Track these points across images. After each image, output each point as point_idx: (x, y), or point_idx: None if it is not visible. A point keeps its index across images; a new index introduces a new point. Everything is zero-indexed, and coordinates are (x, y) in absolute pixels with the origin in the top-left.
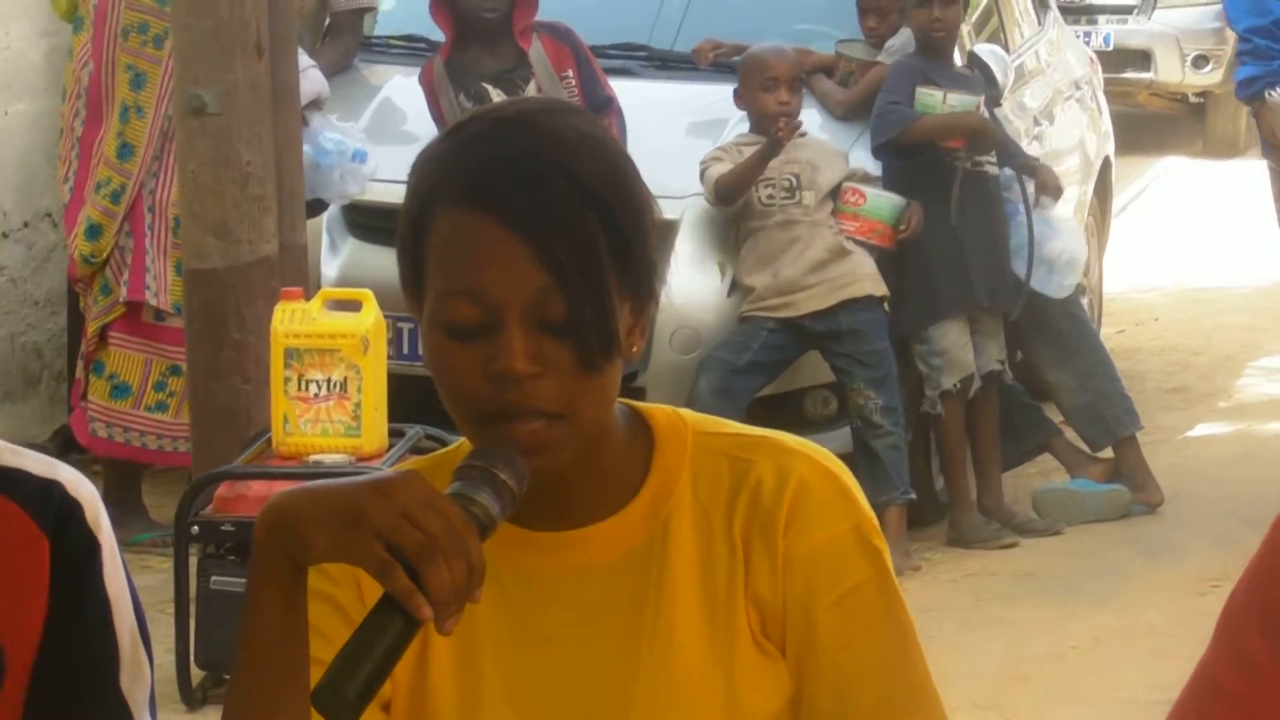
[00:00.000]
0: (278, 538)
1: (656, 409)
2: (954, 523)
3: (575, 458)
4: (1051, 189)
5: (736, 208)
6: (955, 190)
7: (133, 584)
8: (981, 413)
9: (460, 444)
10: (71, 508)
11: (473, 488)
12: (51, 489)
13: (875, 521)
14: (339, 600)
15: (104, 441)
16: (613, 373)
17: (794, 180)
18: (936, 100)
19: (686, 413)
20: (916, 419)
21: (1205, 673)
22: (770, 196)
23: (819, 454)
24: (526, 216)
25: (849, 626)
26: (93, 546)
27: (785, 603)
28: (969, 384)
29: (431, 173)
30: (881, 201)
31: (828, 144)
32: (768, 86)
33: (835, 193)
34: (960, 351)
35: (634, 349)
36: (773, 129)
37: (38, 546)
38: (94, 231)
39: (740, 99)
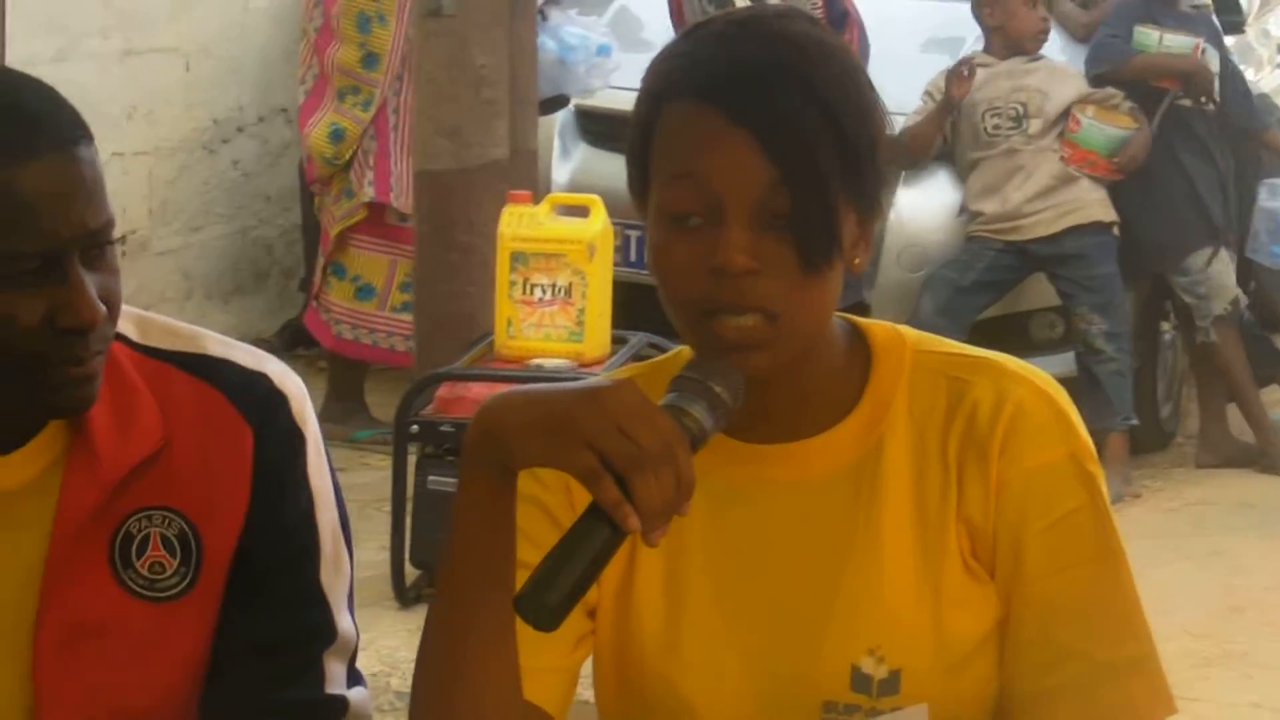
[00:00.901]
0: (489, 441)
1: (876, 325)
2: (1264, 452)
3: (790, 366)
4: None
5: (927, 159)
6: (1158, 115)
7: (337, 479)
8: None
9: (678, 352)
10: (278, 399)
11: (687, 399)
12: (258, 380)
13: (1092, 448)
14: (548, 505)
15: (350, 343)
16: (834, 278)
17: (1021, 108)
18: (1153, 40)
19: (906, 330)
20: (1143, 346)
21: None
22: (996, 126)
23: (1038, 377)
24: (755, 110)
25: (1059, 553)
26: (298, 439)
27: (996, 526)
28: (1237, 308)
29: (664, 72)
30: (1095, 132)
31: (1061, 66)
32: (1030, 2)
33: (1066, 115)
34: (1223, 277)
35: (857, 260)
36: (954, 76)
37: (242, 436)
38: (338, 135)
39: (991, 14)
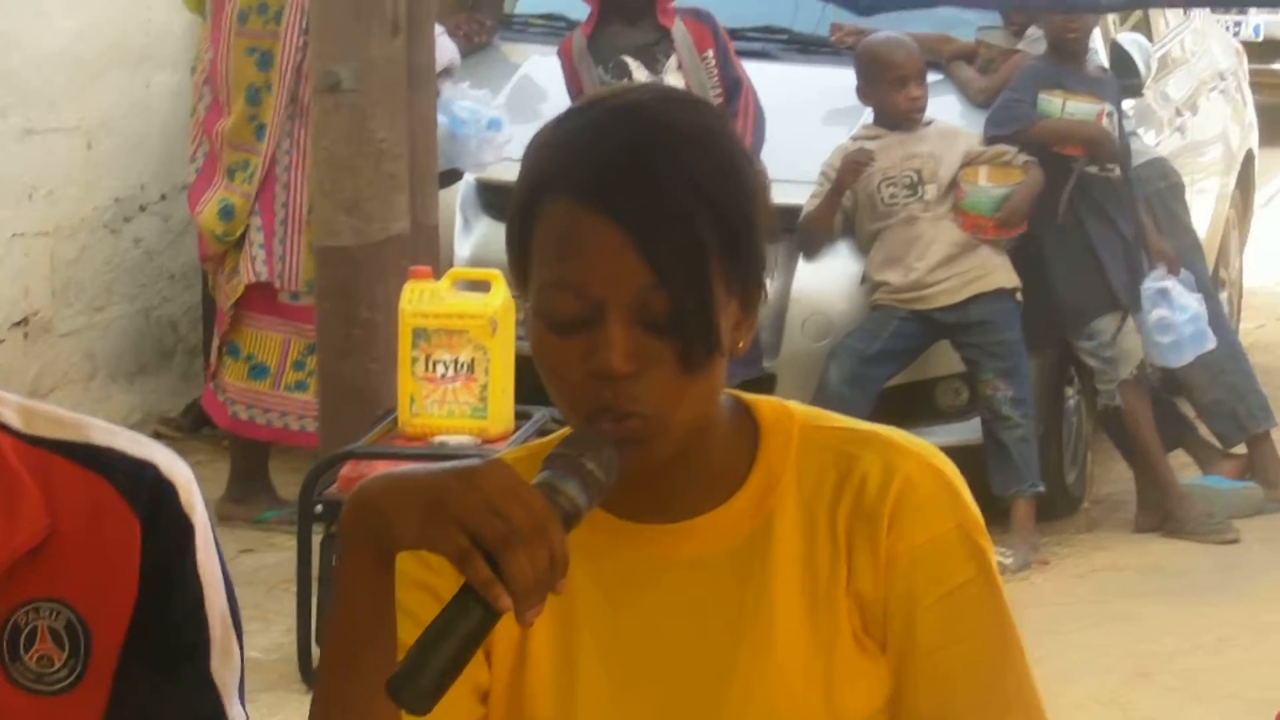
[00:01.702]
0: (364, 523)
1: (763, 401)
2: (1171, 513)
3: (677, 451)
4: (1166, 261)
5: (825, 248)
6: (1066, 192)
7: (226, 567)
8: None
9: (555, 436)
10: (166, 489)
11: (559, 477)
12: (145, 469)
13: (980, 521)
14: (435, 588)
15: (245, 424)
16: (716, 370)
17: (915, 175)
18: (1056, 106)
19: (794, 405)
20: (1047, 412)
21: None
22: (893, 195)
23: (925, 450)
24: (633, 212)
25: (950, 627)
26: (186, 529)
27: (887, 601)
28: (1144, 371)
29: (542, 159)
30: (980, 195)
31: (952, 128)
32: (896, 84)
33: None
34: (1130, 341)
35: (740, 344)
36: (846, 163)
37: (129, 527)
38: (227, 212)
39: (865, 95)
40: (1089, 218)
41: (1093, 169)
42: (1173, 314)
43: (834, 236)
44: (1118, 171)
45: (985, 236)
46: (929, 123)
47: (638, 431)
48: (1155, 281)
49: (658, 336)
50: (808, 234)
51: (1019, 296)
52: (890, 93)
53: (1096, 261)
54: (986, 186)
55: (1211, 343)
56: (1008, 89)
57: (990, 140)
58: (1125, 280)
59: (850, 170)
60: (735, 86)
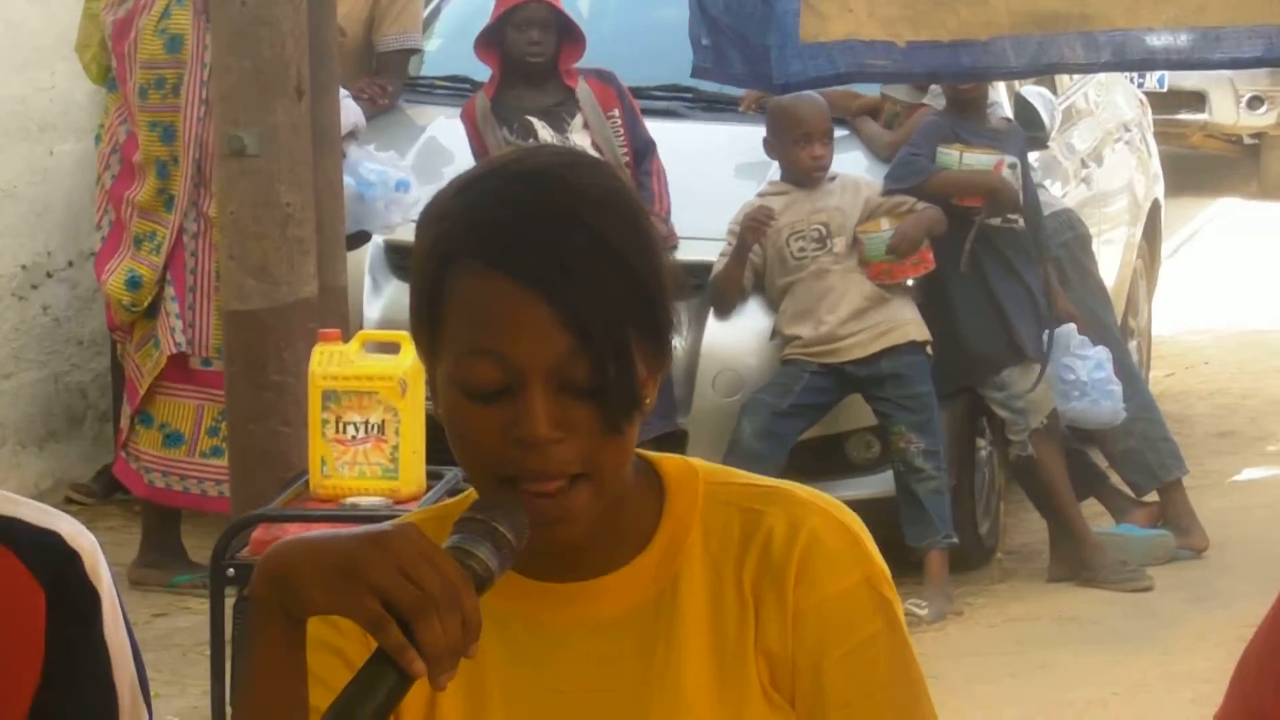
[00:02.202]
0: (274, 589)
1: (667, 459)
2: (1085, 562)
3: (594, 523)
4: (1070, 318)
5: (737, 306)
6: (968, 242)
7: (133, 635)
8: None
9: (466, 495)
10: (70, 558)
11: (471, 541)
12: (49, 539)
13: (887, 573)
14: (345, 652)
15: (163, 491)
16: (632, 432)
17: (823, 229)
18: (953, 159)
19: (698, 462)
20: (959, 463)
21: None
22: (802, 249)
23: (830, 505)
24: (550, 279)
25: (859, 680)
26: (92, 597)
27: (795, 656)
28: (1055, 421)
29: (449, 229)
30: (875, 242)
31: (854, 181)
32: (800, 141)
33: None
34: (1039, 391)
35: (648, 401)
36: (747, 222)
37: (34, 597)
38: (134, 283)
39: (772, 150)
40: (992, 269)
41: (995, 220)
42: (1086, 374)
43: (745, 294)
44: (1020, 223)
45: (892, 280)
46: (834, 177)
47: (561, 500)
48: (1064, 340)
49: (579, 401)
50: (718, 293)
51: (929, 350)
52: (794, 149)
53: (1001, 312)
54: (881, 232)
55: (1122, 412)
56: (907, 144)
57: (888, 193)
58: (1031, 331)
59: (751, 229)
60: (646, 148)
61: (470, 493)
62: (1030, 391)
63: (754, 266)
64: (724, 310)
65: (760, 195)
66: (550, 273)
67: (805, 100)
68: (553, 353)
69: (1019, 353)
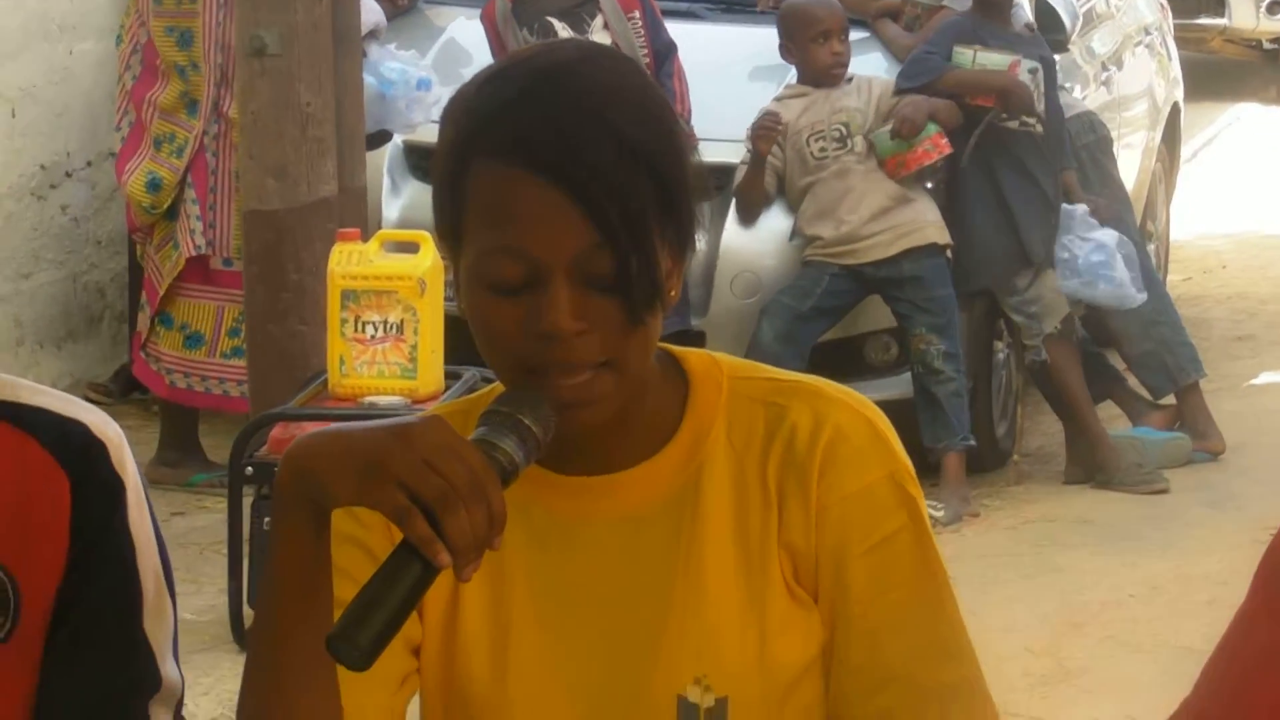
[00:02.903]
0: (300, 482)
1: (692, 353)
2: (1101, 465)
3: (619, 409)
4: (1074, 197)
5: (761, 212)
6: (974, 136)
7: (158, 525)
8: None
9: (491, 389)
10: (96, 448)
11: (497, 433)
12: (74, 428)
13: (911, 470)
14: (368, 544)
15: (184, 392)
16: (655, 323)
17: (844, 129)
18: (967, 59)
19: (722, 357)
20: (976, 366)
21: (1242, 623)
22: (823, 150)
23: (856, 400)
24: (572, 173)
25: (882, 575)
26: (117, 487)
27: (818, 551)
28: (1070, 325)
29: (468, 124)
30: (881, 138)
31: (869, 82)
32: (818, 39)
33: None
34: (1053, 295)
35: (671, 294)
36: (756, 131)
37: (58, 485)
38: (154, 185)
39: (789, 53)
40: (1006, 174)
41: (1012, 123)
42: (1083, 256)
43: (770, 200)
44: (1038, 127)
45: (908, 170)
46: (850, 78)
47: (587, 387)
48: (1069, 219)
49: (601, 294)
50: (741, 201)
51: (950, 254)
52: (813, 48)
53: (1010, 216)
54: (887, 128)
55: (1133, 299)
56: (924, 43)
57: (900, 93)
58: (1042, 236)
59: (761, 138)
60: (666, 50)
61: (495, 387)
62: (1044, 296)
63: (775, 170)
64: (749, 218)
65: (778, 99)
66: (572, 167)
67: (818, 1)
68: (575, 246)
69: (1027, 258)
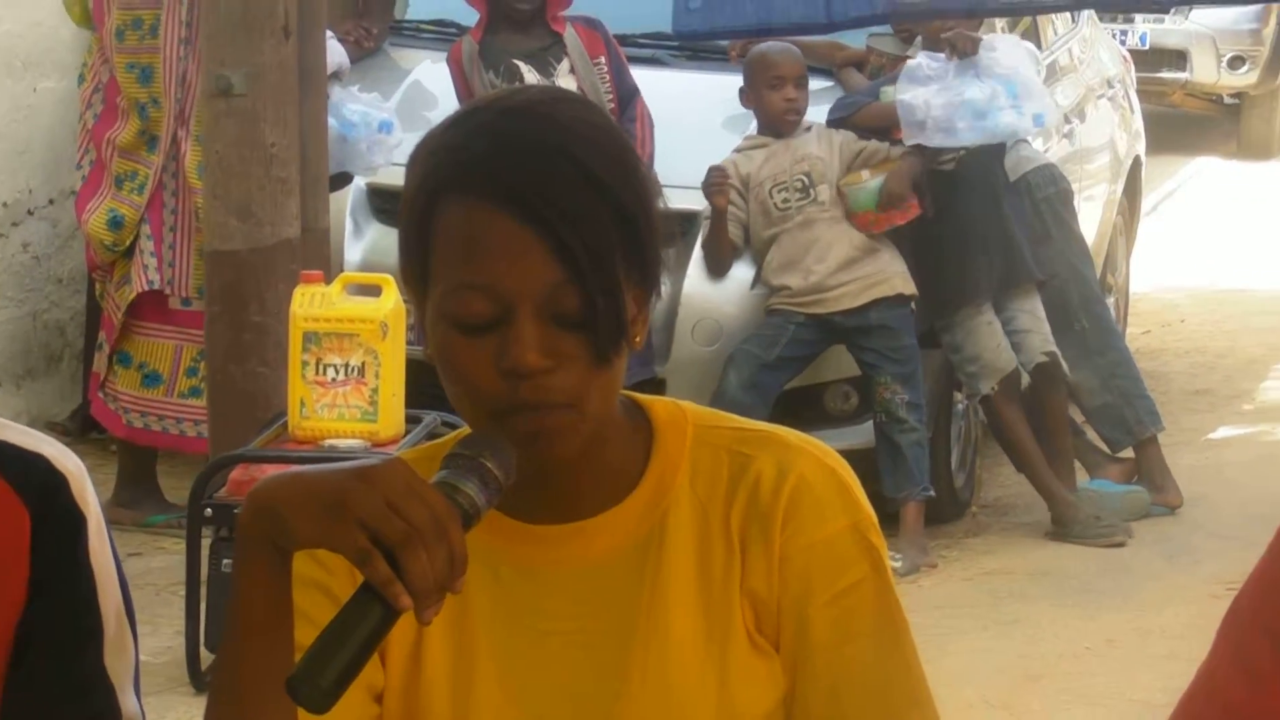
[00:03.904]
0: (262, 523)
1: (657, 401)
2: (1058, 518)
3: (584, 447)
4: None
5: (729, 267)
6: (925, 182)
7: (119, 560)
8: (1044, 407)
9: (451, 436)
10: (56, 480)
11: (458, 476)
12: (35, 461)
13: (874, 519)
14: (330, 587)
15: (141, 431)
16: (620, 364)
17: (806, 179)
18: (889, 93)
19: (688, 405)
20: (935, 416)
21: (1207, 680)
22: (785, 200)
23: (820, 450)
24: (540, 210)
25: (844, 625)
26: (78, 520)
27: (780, 600)
28: (1012, 382)
29: (436, 163)
30: (859, 193)
31: (828, 130)
32: (774, 85)
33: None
34: (993, 354)
35: (637, 339)
36: (706, 190)
37: (18, 517)
38: (116, 222)
39: (747, 99)
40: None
41: (946, 165)
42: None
43: (738, 251)
44: (950, 164)
45: (879, 229)
46: (809, 127)
47: (554, 424)
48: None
49: (569, 331)
50: (709, 258)
51: (914, 305)
52: (768, 94)
53: (941, 256)
54: (864, 182)
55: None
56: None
57: (831, 124)
58: (970, 273)
59: (715, 193)
60: (630, 95)
61: (461, 432)
62: (982, 355)
63: (739, 221)
64: (719, 270)
65: (739, 150)
66: (540, 203)
67: (780, 49)
68: (542, 283)
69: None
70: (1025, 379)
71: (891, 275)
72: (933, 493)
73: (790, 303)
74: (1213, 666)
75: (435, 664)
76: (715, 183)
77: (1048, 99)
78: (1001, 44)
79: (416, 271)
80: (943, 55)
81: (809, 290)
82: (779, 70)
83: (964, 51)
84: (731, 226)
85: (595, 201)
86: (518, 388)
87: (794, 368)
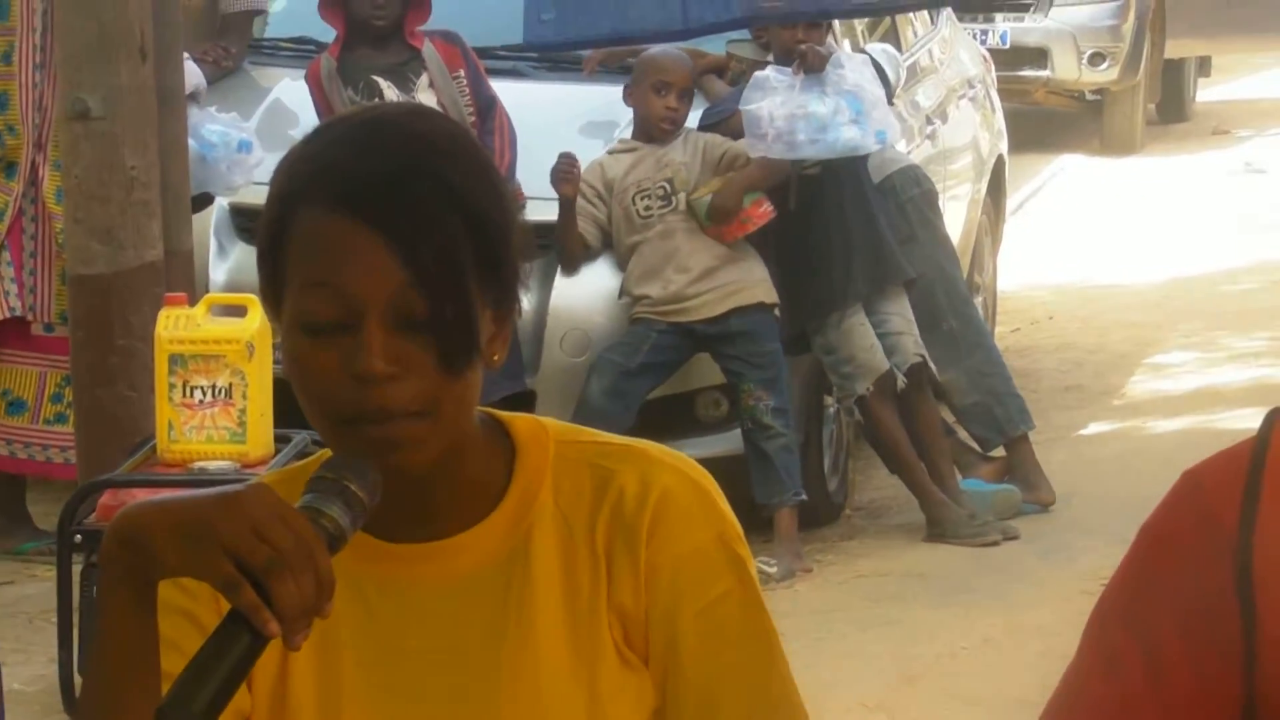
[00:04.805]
0: (125, 553)
1: (518, 418)
2: (933, 519)
3: (436, 464)
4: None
5: (580, 264)
6: (793, 182)
7: None
8: (915, 410)
9: (319, 455)
10: None
11: (323, 500)
12: None
13: (739, 530)
14: (195, 614)
15: (7, 460)
16: (473, 377)
17: (668, 186)
18: None
19: (549, 421)
20: (807, 420)
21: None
22: (648, 208)
23: (683, 463)
24: (388, 215)
25: (712, 637)
26: None
27: (648, 613)
28: (887, 383)
29: (293, 175)
30: (701, 206)
31: (696, 137)
32: (659, 89)
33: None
34: (867, 355)
35: (495, 357)
36: (554, 176)
37: None
38: None
39: (630, 97)
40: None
41: (812, 170)
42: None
43: (590, 249)
44: (814, 168)
45: (727, 240)
46: (681, 133)
47: (404, 434)
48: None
49: (416, 338)
50: (560, 250)
51: (776, 313)
52: (650, 97)
53: (809, 260)
54: (706, 196)
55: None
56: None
57: (704, 129)
58: (838, 277)
59: (562, 180)
60: (489, 105)
61: (324, 453)
62: (856, 356)
63: (597, 222)
64: (570, 267)
65: (610, 152)
66: (388, 209)
67: (672, 54)
68: (388, 286)
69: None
70: (901, 380)
71: (752, 284)
72: (805, 497)
73: (652, 311)
74: (1080, 665)
75: (301, 688)
76: (563, 169)
77: (891, 117)
78: (849, 62)
79: (270, 278)
80: (790, 69)
81: (669, 300)
82: (667, 76)
83: (812, 67)
84: (583, 222)
85: (448, 210)
86: (366, 395)
87: (658, 375)
